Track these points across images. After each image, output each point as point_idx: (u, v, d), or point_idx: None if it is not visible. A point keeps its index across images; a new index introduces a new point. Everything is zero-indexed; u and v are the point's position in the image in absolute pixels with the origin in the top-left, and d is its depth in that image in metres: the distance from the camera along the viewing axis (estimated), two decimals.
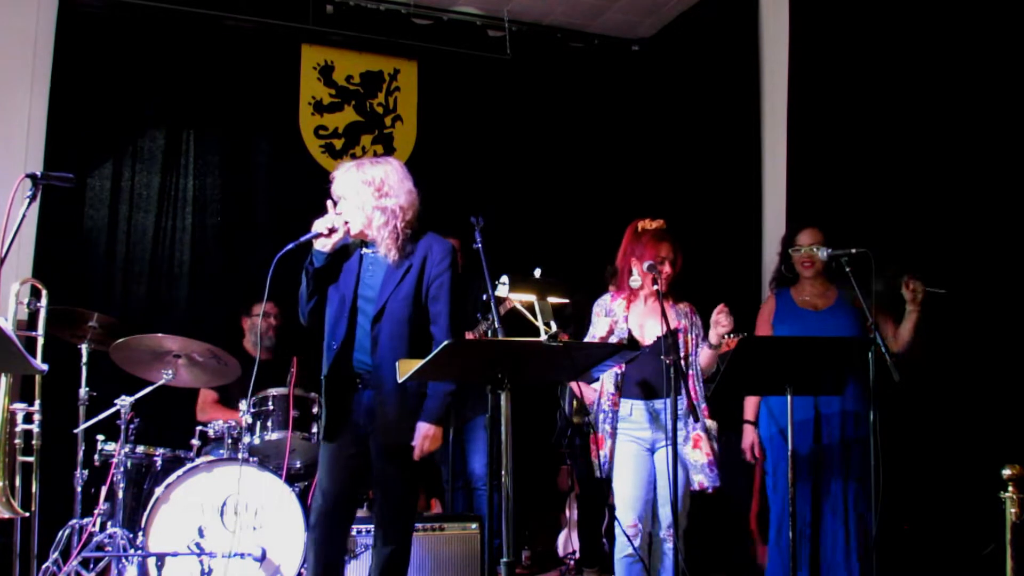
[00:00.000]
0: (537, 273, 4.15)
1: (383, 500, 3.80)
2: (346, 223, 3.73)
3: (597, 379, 4.19)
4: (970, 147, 4.93)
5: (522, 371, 3.30)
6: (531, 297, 4.28)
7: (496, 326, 4.04)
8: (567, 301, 4.71)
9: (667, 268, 4.22)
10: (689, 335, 4.26)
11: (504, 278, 4.24)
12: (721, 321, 4.09)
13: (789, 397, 3.94)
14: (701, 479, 4.14)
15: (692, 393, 4.16)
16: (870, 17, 5.47)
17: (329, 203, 3.76)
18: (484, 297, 5.16)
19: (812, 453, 4.42)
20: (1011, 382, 4.60)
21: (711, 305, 4.61)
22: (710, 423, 4.20)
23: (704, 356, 4.24)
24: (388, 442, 3.72)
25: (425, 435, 3.72)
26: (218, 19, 6.46)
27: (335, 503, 3.78)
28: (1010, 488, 2.93)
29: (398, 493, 3.78)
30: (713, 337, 4.12)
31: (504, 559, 3.12)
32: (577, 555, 5.95)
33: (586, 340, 4.23)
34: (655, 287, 4.14)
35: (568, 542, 6.22)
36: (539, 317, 3.88)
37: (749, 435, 4.68)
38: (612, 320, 4.27)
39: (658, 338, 4.15)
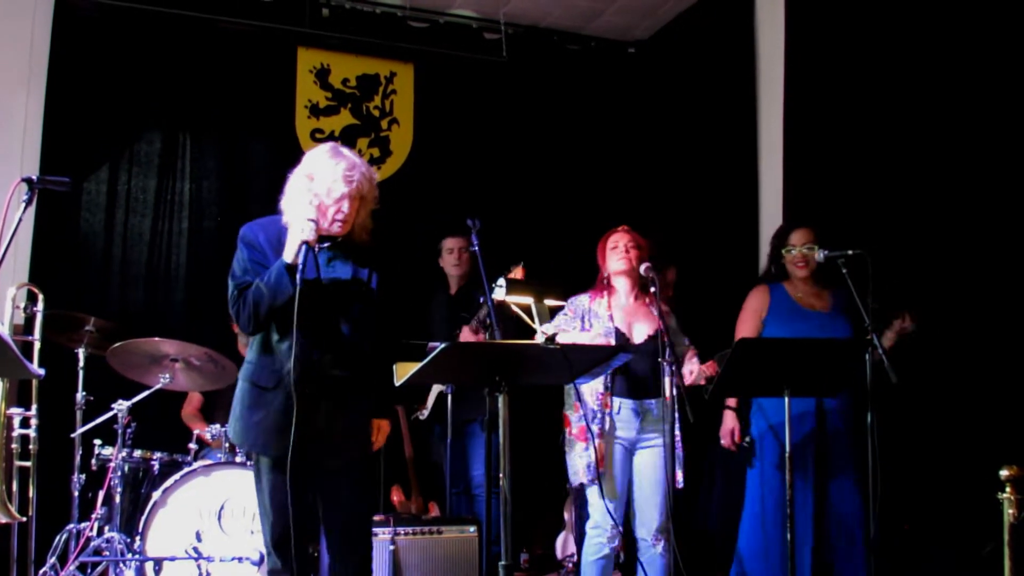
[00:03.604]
0: (501, 282, 4.16)
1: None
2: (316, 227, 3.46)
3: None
4: (968, 146, 4.93)
5: (519, 374, 3.30)
6: (528, 299, 4.29)
7: (495, 328, 4.05)
8: (564, 303, 4.73)
9: (632, 251, 4.33)
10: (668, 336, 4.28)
11: (501, 281, 4.24)
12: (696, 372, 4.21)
13: (787, 400, 3.92)
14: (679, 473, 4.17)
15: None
16: (866, 18, 5.48)
17: (306, 208, 3.47)
18: (481, 299, 5.17)
19: (815, 447, 4.37)
20: (1009, 383, 4.60)
21: (709, 305, 4.63)
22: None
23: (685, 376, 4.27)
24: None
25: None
26: (213, 22, 6.45)
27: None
28: (1008, 489, 2.93)
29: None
30: (688, 379, 4.20)
31: (502, 562, 3.12)
32: (576, 558, 5.95)
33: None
34: (652, 290, 4.17)
35: (567, 544, 6.21)
36: (536, 319, 3.88)
37: (729, 421, 4.57)
38: (590, 319, 4.30)
39: (648, 337, 4.18)
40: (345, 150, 3.56)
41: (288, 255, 3.40)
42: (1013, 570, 2.85)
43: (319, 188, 3.48)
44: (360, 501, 3.63)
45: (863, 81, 5.46)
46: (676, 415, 4.09)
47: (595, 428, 4.17)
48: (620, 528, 4.14)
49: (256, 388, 3.53)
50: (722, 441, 4.59)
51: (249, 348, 3.63)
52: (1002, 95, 4.76)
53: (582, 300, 4.41)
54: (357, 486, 3.59)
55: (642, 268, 4.22)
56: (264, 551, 3.63)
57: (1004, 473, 2.93)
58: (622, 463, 4.21)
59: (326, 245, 3.53)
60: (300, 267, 3.35)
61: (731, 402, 4.59)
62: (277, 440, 3.41)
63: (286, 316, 3.37)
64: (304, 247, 3.36)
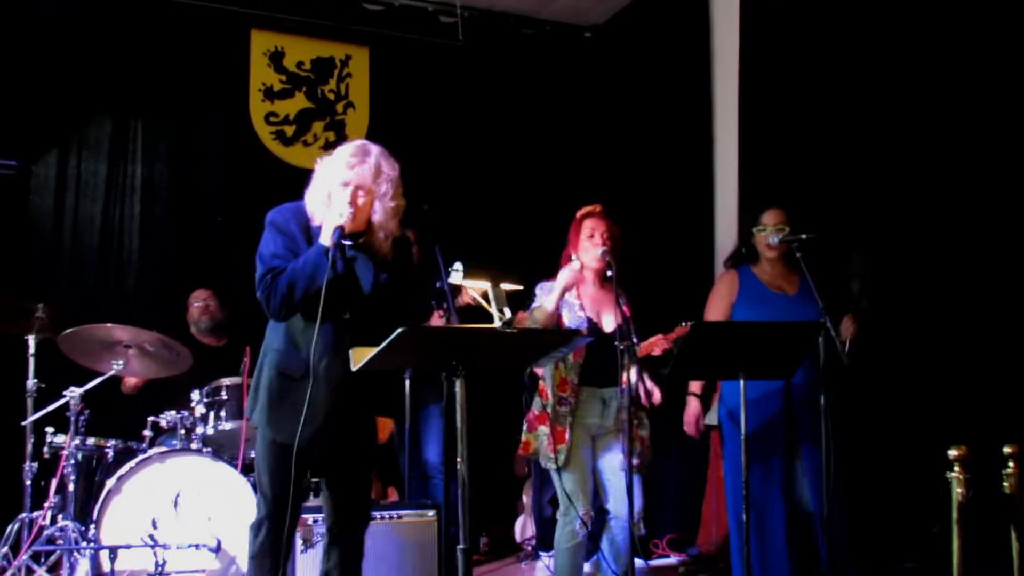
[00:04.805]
0: (458, 266, 4.13)
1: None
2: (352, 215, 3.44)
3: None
4: (920, 127, 4.99)
5: (477, 358, 3.30)
6: (485, 284, 4.28)
7: (452, 312, 4.04)
8: (521, 287, 4.73)
9: (607, 243, 4.27)
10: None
11: (457, 265, 4.23)
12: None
13: (742, 383, 3.95)
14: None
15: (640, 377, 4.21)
16: (820, 2, 5.52)
17: (343, 191, 3.42)
18: (438, 285, 5.16)
19: (781, 422, 4.32)
20: (958, 365, 4.67)
21: (666, 289, 4.63)
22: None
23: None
24: None
25: None
26: (166, 3, 6.36)
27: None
28: (956, 468, 2.96)
29: None
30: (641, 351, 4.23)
31: (461, 546, 3.12)
32: (535, 541, 5.98)
33: (533, 310, 4.27)
34: (609, 273, 4.18)
35: (526, 528, 6.24)
36: (493, 304, 3.87)
37: (693, 408, 4.52)
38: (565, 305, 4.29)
39: (618, 325, 4.18)
40: (372, 145, 3.51)
41: (325, 239, 3.39)
42: (962, 549, 2.89)
43: (328, 174, 3.48)
44: (365, 485, 3.81)
45: (819, 64, 5.51)
46: (627, 400, 4.10)
47: (569, 419, 4.19)
48: (592, 512, 4.15)
49: (284, 377, 3.53)
50: (686, 428, 4.55)
51: (275, 336, 3.59)
52: (954, 75, 4.83)
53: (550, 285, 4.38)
54: (363, 471, 3.76)
55: (599, 252, 4.22)
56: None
57: (953, 453, 2.96)
58: (590, 450, 4.23)
59: (348, 243, 3.47)
60: (332, 250, 3.34)
61: (694, 388, 4.55)
62: (304, 428, 3.40)
63: (316, 305, 3.35)
64: (337, 231, 3.35)
